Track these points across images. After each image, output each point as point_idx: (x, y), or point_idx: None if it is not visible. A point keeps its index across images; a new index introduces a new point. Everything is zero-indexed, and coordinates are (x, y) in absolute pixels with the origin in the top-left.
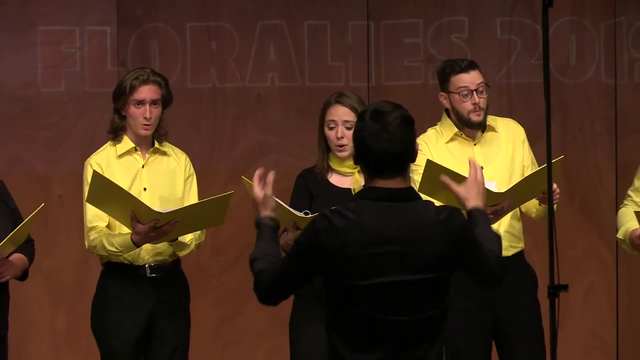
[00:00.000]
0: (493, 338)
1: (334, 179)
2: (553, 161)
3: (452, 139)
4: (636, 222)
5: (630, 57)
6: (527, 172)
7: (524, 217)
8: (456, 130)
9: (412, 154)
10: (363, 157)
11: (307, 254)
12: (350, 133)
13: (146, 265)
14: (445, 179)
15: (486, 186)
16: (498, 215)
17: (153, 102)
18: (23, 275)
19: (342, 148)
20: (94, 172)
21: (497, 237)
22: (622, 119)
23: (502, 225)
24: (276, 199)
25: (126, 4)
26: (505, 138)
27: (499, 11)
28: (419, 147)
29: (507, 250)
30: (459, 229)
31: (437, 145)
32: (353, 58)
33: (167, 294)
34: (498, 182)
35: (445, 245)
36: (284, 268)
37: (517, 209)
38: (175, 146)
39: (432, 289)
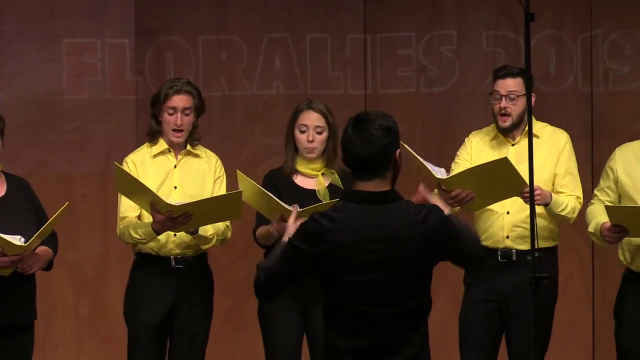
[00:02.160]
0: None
1: (299, 180)
2: (497, 159)
3: (494, 137)
4: (605, 217)
5: (605, 67)
6: (556, 180)
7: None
8: (497, 131)
9: (385, 159)
10: (344, 161)
11: (299, 255)
12: (320, 137)
13: (171, 257)
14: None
15: (433, 171)
16: (457, 201)
17: (185, 110)
18: (48, 266)
19: (311, 150)
20: (117, 165)
21: (473, 233)
22: (598, 124)
23: (517, 221)
24: (266, 191)
25: (144, 19)
26: (544, 144)
27: (484, 25)
28: (465, 140)
29: (522, 245)
30: (439, 225)
31: (480, 141)
32: (351, 68)
33: (190, 284)
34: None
35: (426, 241)
36: (279, 268)
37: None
38: None
39: (414, 282)
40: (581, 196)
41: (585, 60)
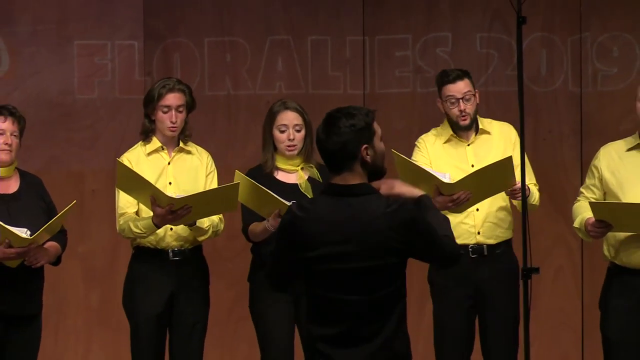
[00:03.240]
0: (476, 314)
1: (280, 176)
2: (503, 159)
3: (448, 140)
4: (589, 213)
5: (594, 68)
6: (516, 171)
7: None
8: (452, 132)
9: (347, 154)
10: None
11: (283, 247)
12: (299, 135)
13: (169, 250)
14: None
15: (440, 177)
16: (457, 203)
17: (178, 108)
18: (57, 261)
19: (292, 148)
20: (119, 162)
21: (446, 219)
22: (587, 122)
23: (488, 217)
24: (265, 189)
25: (151, 22)
26: (497, 140)
27: (478, 28)
28: (417, 144)
29: (491, 239)
30: (409, 220)
31: (434, 145)
32: (350, 69)
33: (188, 275)
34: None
35: (391, 234)
36: (274, 263)
37: (508, 202)
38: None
39: (382, 273)
40: (534, 180)
41: (574, 62)
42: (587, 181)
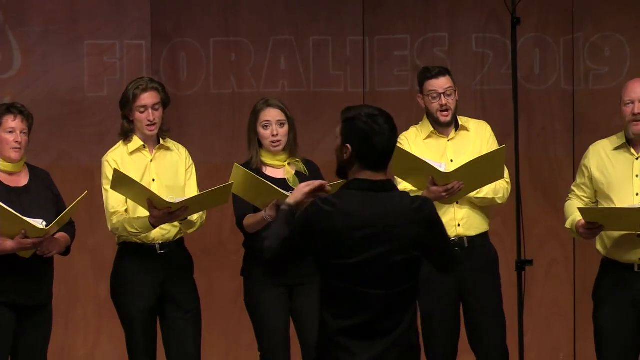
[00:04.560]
0: (460, 302)
1: (269, 172)
2: (497, 149)
3: (429, 136)
4: (580, 215)
5: (585, 67)
6: None
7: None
8: (432, 129)
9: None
10: (363, 153)
11: (300, 238)
12: (282, 130)
13: (156, 244)
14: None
15: (436, 167)
16: (450, 193)
17: (154, 106)
18: (66, 251)
19: (277, 144)
20: (115, 169)
21: None
22: (579, 120)
23: (468, 210)
24: (264, 180)
25: (159, 22)
26: (474, 136)
27: (474, 28)
28: (399, 141)
29: (470, 231)
30: (430, 215)
31: (416, 141)
32: (351, 68)
33: (174, 267)
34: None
35: (418, 229)
36: (282, 249)
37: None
38: (200, 142)
39: (406, 266)
40: (507, 177)
41: (567, 61)
42: (578, 180)
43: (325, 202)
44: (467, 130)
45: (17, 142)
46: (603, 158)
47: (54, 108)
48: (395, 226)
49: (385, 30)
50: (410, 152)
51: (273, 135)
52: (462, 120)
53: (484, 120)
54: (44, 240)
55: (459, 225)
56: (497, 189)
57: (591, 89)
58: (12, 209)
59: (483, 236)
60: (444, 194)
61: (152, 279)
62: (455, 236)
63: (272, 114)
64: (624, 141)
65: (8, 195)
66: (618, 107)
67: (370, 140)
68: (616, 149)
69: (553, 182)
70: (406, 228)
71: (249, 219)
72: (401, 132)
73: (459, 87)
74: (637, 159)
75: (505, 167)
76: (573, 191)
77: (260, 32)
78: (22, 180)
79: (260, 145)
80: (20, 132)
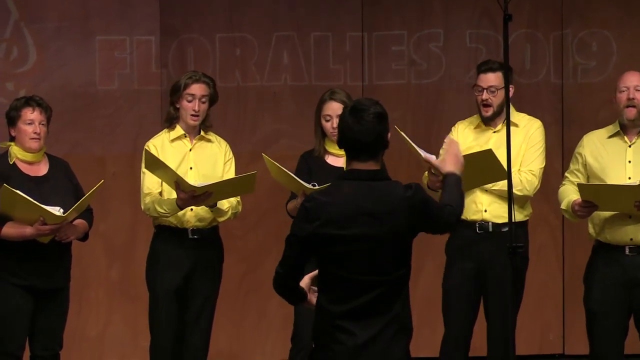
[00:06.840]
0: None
1: (330, 160)
2: (482, 150)
3: (478, 126)
4: (575, 196)
5: (574, 62)
6: (520, 158)
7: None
8: (480, 120)
9: (382, 143)
10: (342, 144)
11: (301, 233)
12: None
13: (189, 229)
14: (426, 155)
15: (422, 154)
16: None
17: (201, 98)
18: (84, 237)
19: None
20: (145, 150)
21: (461, 195)
22: (568, 112)
23: (496, 198)
24: (288, 172)
25: (168, 19)
26: (520, 132)
27: (468, 25)
28: (452, 128)
29: (498, 219)
30: (422, 202)
31: (465, 129)
32: (350, 62)
33: (204, 253)
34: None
35: (411, 216)
36: (288, 261)
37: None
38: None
39: (400, 252)
40: (534, 169)
41: (556, 56)
42: (572, 166)
43: (320, 193)
44: (517, 126)
45: (36, 132)
46: (597, 145)
47: (67, 101)
48: (388, 213)
49: (383, 26)
50: (457, 138)
51: (333, 128)
52: (517, 116)
53: (477, 113)
54: (61, 226)
55: (485, 210)
56: (516, 182)
57: (579, 82)
58: (31, 197)
59: (516, 225)
60: (438, 184)
61: (182, 262)
62: (481, 220)
63: (333, 108)
64: (618, 129)
65: (28, 184)
66: (605, 100)
67: (342, 132)
68: (610, 137)
69: (543, 171)
70: (398, 215)
71: (290, 204)
72: (396, 123)
73: (452, 80)
74: (629, 146)
75: (535, 159)
76: (566, 177)
77: (264, 28)
78: (42, 169)
79: (325, 134)
80: (39, 124)
